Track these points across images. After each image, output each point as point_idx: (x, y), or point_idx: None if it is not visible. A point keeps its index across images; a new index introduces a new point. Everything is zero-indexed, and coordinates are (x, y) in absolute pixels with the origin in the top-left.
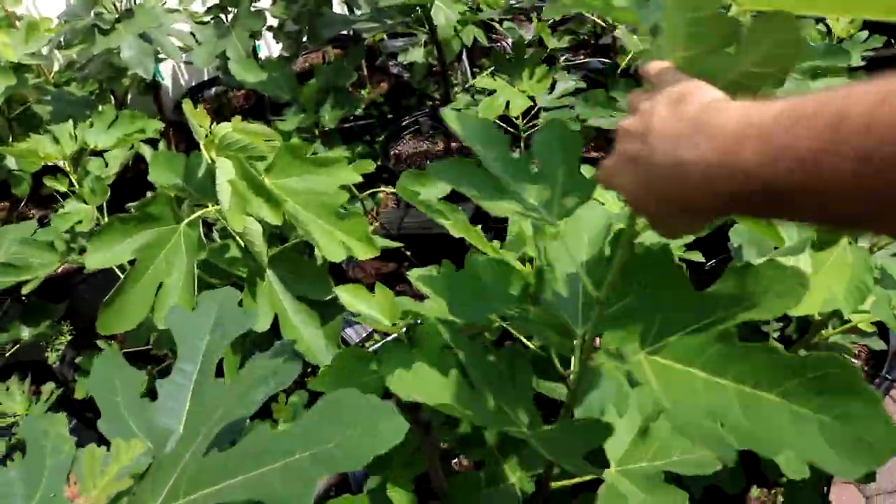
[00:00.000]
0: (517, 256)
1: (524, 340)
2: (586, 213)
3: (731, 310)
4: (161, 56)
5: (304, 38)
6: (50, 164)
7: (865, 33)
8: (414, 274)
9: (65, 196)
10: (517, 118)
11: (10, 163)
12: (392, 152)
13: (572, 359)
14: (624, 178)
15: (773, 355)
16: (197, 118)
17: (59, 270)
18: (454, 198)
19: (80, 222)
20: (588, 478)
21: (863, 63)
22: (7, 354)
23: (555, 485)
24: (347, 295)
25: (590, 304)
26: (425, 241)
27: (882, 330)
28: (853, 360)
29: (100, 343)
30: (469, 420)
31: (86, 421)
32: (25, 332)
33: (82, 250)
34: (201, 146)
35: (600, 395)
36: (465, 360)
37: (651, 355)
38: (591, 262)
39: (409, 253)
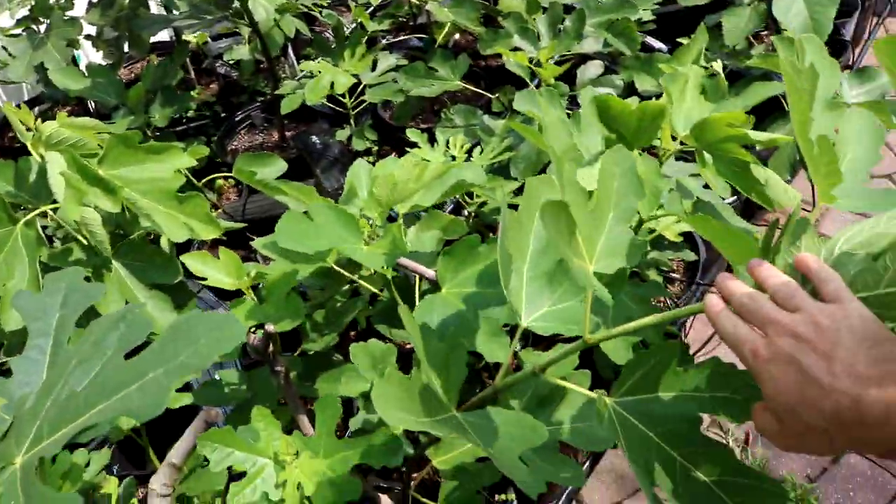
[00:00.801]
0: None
1: (372, 289)
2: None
3: (704, 397)
4: None
5: (126, 46)
6: None
7: None
8: (258, 243)
9: None
10: (343, 96)
11: None
12: (228, 148)
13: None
14: (777, 372)
15: (730, 460)
16: (20, 116)
17: None
18: (289, 177)
19: None
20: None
21: (653, 17)
22: None
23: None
24: (194, 261)
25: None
26: (268, 225)
27: (692, 242)
28: (672, 273)
29: None
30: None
31: None
32: None
33: None
34: (28, 146)
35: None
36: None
37: (618, 406)
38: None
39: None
